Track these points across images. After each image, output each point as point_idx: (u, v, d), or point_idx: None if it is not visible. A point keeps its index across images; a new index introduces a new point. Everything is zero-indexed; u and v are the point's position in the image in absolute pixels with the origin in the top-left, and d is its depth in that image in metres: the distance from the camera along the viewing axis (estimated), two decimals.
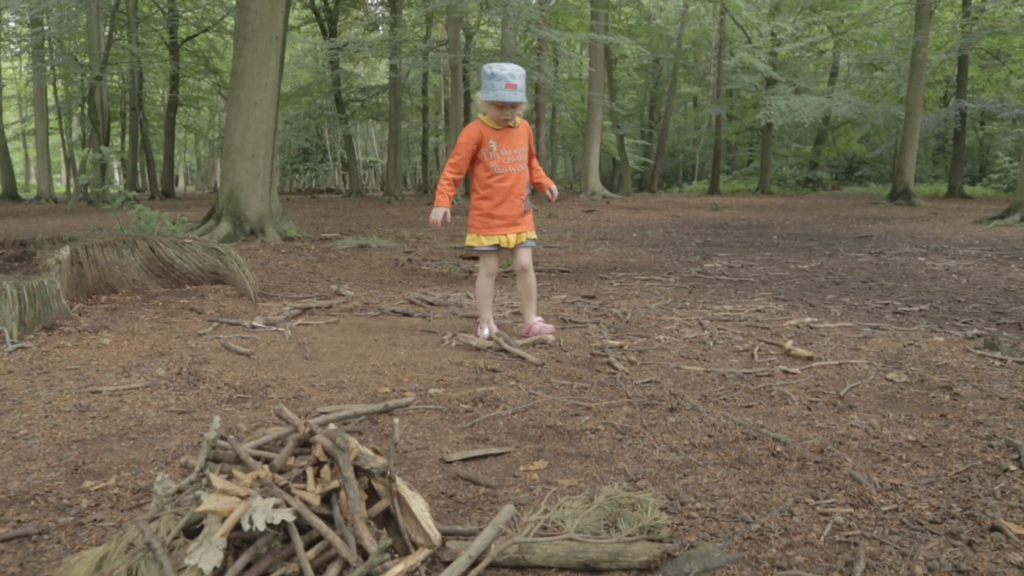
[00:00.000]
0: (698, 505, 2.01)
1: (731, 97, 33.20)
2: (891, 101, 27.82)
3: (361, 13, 32.32)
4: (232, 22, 26.09)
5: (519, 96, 3.74)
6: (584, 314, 4.77)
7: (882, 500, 2.04)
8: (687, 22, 32.60)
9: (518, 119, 3.93)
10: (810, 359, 3.54)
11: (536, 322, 4.12)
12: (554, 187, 4.17)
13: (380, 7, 32.44)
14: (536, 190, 4.22)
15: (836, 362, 3.49)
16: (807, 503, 2.03)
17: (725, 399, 2.95)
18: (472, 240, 3.98)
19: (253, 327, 4.27)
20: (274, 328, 4.25)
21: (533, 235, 4.08)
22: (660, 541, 1.79)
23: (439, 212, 3.82)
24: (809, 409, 2.83)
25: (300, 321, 4.49)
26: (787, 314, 4.74)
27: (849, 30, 27.24)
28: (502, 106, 3.76)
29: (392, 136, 26.19)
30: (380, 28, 30.71)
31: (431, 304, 5.13)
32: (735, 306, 5.02)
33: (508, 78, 3.70)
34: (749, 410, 2.82)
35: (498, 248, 3.97)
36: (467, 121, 31.53)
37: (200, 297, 5.03)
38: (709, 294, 5.59)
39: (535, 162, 4.11)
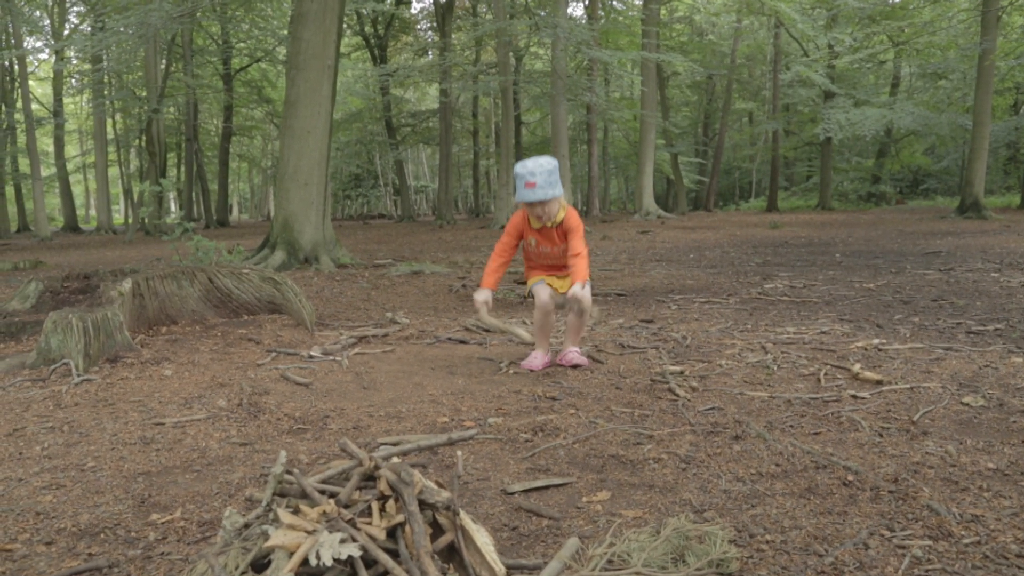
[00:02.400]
0: (768, 537, 1.94)
1: (788, 111, 32.73)
2: (957, 111, 27.06)
3: (411, 38, 32.92)
4: (283, 52, 26.84)
5: (538, 194, 3.68)
6: (643, 339, 4.71)
7: (963, 532, 1.94)
8: (740, 37, 32.32)
9: (560, 214, 3.86)
10: (880, 383, 3.43)
11: (572, 351, 4.03)
12: (578, 287, 3.67)
13: (429, 32, 33.00)
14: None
15: (907, 386, 3.36)
16: (882, 535, 1.94)
17: (792, 426, 2.87)
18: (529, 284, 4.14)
19: (311, 357, 4.33)
20: (331, 357, 4.29)
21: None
22: (730, 575, 1.73)
23: (483, 294, 3.85)
24: (880, 436, 2.72)
25: (357, 350, 4.54)
26: (853, 336, 4.60)
27: (911, 39, 26.63)
28: (529, 205, 3.77)
29: (443, 160, 26.51)
30: (430, 53, 31.21)
31: (487, 331, 5.13)
32: (798, 328, 4.89)
33: (528, 176, 3.69)
34: (817, 437, 2.73)
35: (545, 283, 4.02)
36: (518, 144, 31.82)
37: (258, 327, 5.12)
38: (771, 316, 5.47)
39: (573, 258, 3.82)
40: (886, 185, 34.42)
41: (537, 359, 4.00)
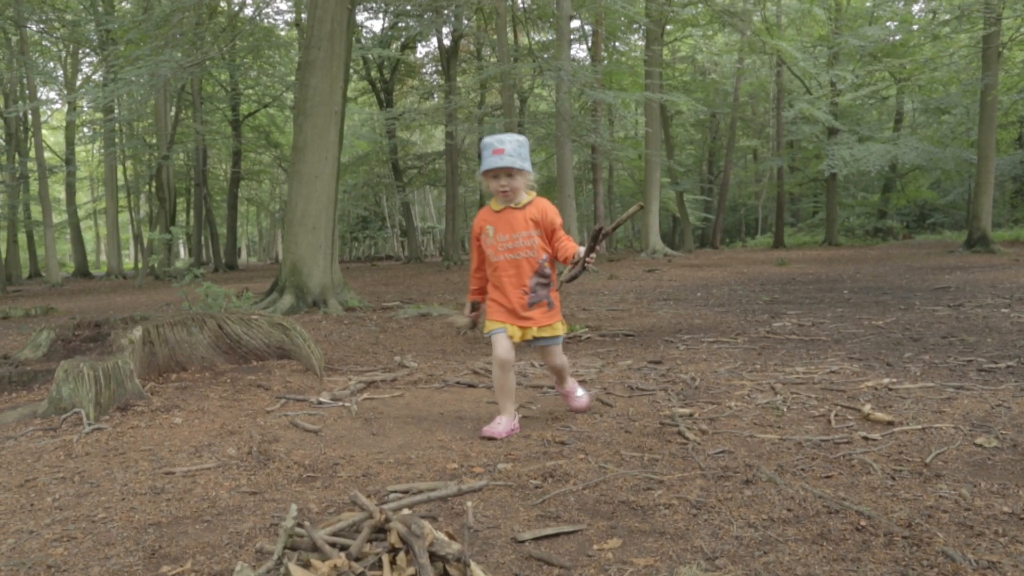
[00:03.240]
0: None
1: (792, 148, 32.93)
2: (962, 145, 27.17)
3: (416, 82, 33.35)
4: (291, 97, 27.28)
5: (506, 160, 3.37)
6: (651, 380, 4.70)
7: None
8: (743, 75, 32.67)
9: (524, 196, 3.53)
10: (891, 424, 3.41)
11: (575, 395, 3.82)
12: (581, 250, 3.38)
13: (435, 75, 33.45)
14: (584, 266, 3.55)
15: (919, 426, 3.34)
16: None
17: (803, 469, 2.85)
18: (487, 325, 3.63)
19: (320, 403, 4.33)
20: (340, 403, 4.30)
21: (549, 332, 3.59)
22: None
23: (463, 315, 3.90)
24: (893, 479, 2.71)
25: (366, 395, 4.54)
26: (863, 375, 4.59)
27: (912, 76, 26.87)
28: (495, 175, 3.45)
29: (449, 201, 26.71)
30: (435, 96, 31.61)
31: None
32: (808, 368, 4.88)
33: (496, 144, 3.42)
34: (829, 481, 2.72)
35: (506, 333, 3.53)
36: None
37: (267, 373, 5.14)
38: (780, 355, 5.46)
39: (559, 242, 3.52)
40: (892, 220, 34.46)
41: (500, 425, 3.49)
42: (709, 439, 3.31)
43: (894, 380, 4.34)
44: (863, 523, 2.30)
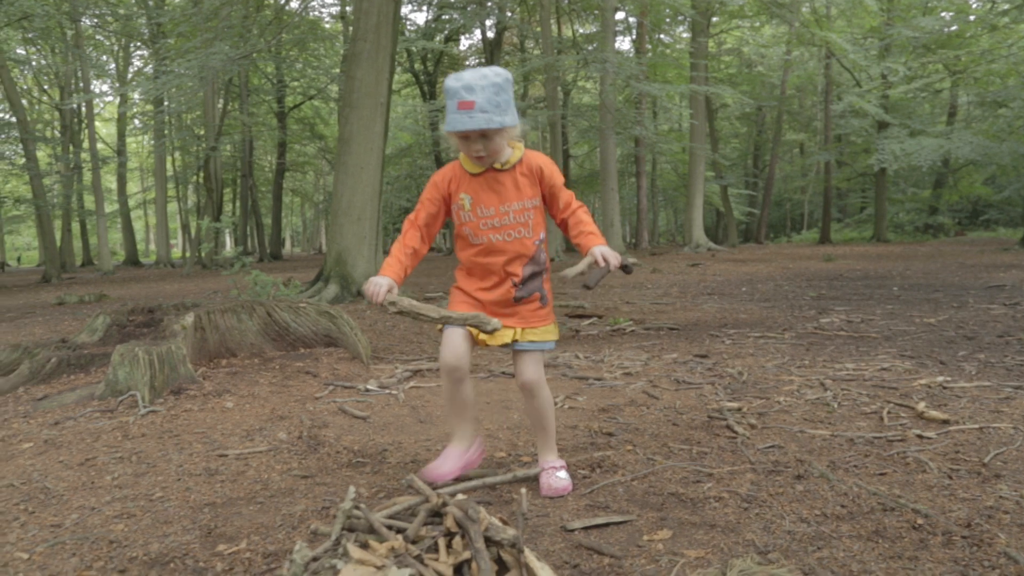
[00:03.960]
0: None
1: (840, 142, 32.32)
2: (1019, 139, 26.38)
3: None
4: (335, 89, 27.54)
5: (478, 121, 2.32)
6: (698, 374, 4.67)
7: None
8: (791, 68, 32.12)
9: (513, 152, 2.51)
10: (946, 422, 3.33)
11: (551, 471, 2.62)
12: (602, 251, 2.41)
13: (478, 68, 33.50)
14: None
15: (976, 426, 3.26)
16: None
17: (856, 466, 2.81)
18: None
19: (367, 390, 4.38)
20: (387, 391, 4.34)
21: (538, 335, 2.58)
22: None
23: (376, 283, 2.46)
24: (950, 478, 2.65)
25: (412, 384, 4.58)
26: (916, 373, 4.49)
27: (968, 68, 26.15)
28: (464, 139, 2.42)
29: None
30: None
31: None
32: (858, 364, 4.80)
33: (462, 92, 2.33)
34: (883, 478, 2.67)
35: (465, 329, 2.53)
36: (567, 176, 31.94)
37: (315, 360, 5.21)
38: (828, 351, 5.37)
39: (569, 212, 2.55)
40: (944, 216, 33.60)
41: (448, 461, 2.64)
42: (758, 434, 3.27)
43: (948, 378, 4.25)
44: (920, 521, 2.26)
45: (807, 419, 3.50)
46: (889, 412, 3.55)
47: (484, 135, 2.37)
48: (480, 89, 2.33)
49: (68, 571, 2.11)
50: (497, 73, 2.38)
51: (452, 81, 2.36)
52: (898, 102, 28.95)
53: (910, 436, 3.16)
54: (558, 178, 2.55)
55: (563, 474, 2.63)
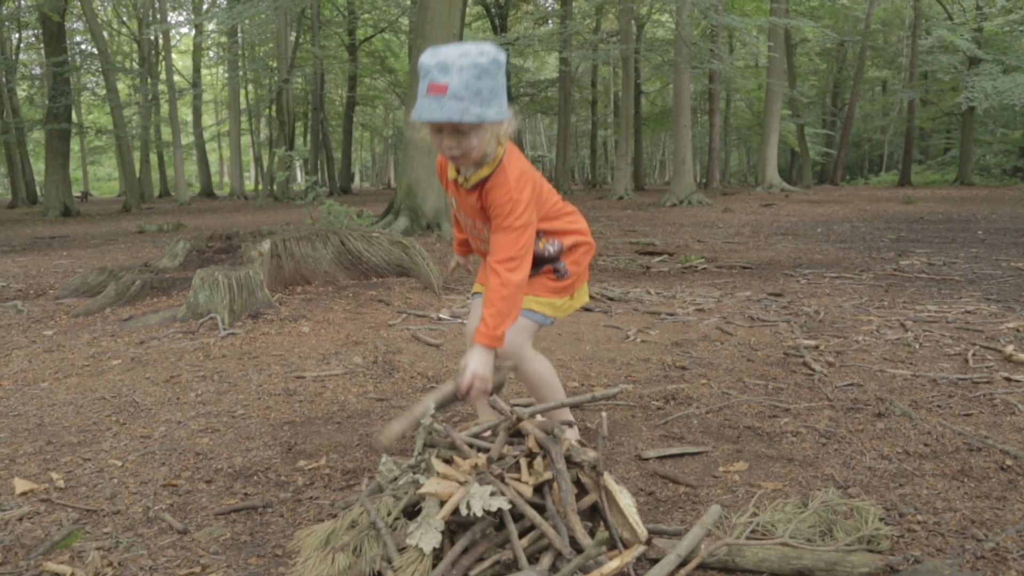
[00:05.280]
0: (919, 518, 1.86)
1: (926, 80, 30.69)
2: None
3: (531, 7, 32.74)
4: (406, 22, 27.26)
5: (447, 110, 1.77)
6: (772, 312, 4.57)
7: None
8: (876, 0, 30.46)
9: (487, 158, 1.95)
10: None
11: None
12: (475, 353, 1.85)
13: (550, 0, 32.73)
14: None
15: None
16: None
17: (939, 406, 2.73)
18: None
19: (439, 319, 4.43)
20: (459, 320, 4.38)
21: (527, 303, 2.09)
22: (880, 553, 1.67)
23: (452, 261, 2.49)
24: None
25: None
26: (1003, 316, 4.31)
27: None
28: (437, 129, 1.87)
29: (561, 130, 26.39)
30: (550, 21, 30.96)
31: (611, 299, 5.10)
32: (940, 307, 4.63)
33: (435, 72, 1.79)
34: (968, 419, 2.59)
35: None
36: (637, 114, 31.29)
37: (387, 289, 5.28)
38: (908, 293, 5.20)
39: (489, 269, 1.94)
40: None
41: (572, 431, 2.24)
42: (836, 371, 3.20)
43: None
44: (1008, 463, 2.19)
45: (887, 359, 3.40)
46: (974, 354, 3.43)
47: (457, 129, 1.82)
48: (457, 70, 1.76)
49: (158, 479, 2.21)
50: (483, 52, 1.79)
51: (427, 56, 1.81)
52: (993, 36, 27.21)
53: (997, 378, 3.04)
54: (503, 220, 1.94)
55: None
